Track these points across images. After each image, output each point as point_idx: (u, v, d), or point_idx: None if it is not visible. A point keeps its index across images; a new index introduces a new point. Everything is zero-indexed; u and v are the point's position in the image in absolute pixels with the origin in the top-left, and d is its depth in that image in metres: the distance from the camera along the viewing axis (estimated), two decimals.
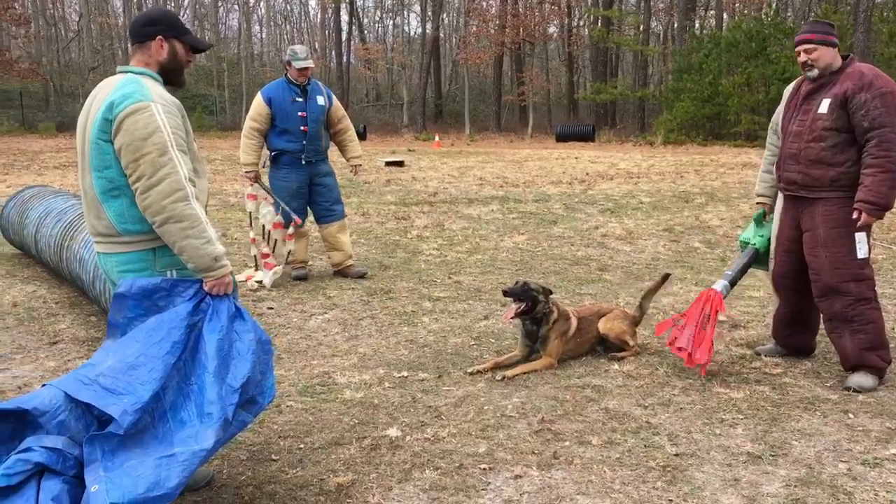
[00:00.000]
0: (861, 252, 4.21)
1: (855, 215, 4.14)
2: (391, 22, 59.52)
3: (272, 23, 59.18)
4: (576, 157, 21.43)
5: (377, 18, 58.68)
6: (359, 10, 49.85)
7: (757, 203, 4.85)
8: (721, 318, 4.90)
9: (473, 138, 34.11)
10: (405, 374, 4.51)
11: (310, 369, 4.62)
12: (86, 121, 2.92)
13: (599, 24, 39.23)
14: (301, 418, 3.89)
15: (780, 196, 4.62)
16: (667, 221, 10.08)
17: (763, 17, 31.14)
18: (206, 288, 2.90)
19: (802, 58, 4.29)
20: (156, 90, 2.88)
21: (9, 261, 7.77)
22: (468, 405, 4.05)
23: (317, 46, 53.96)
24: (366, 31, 53.88)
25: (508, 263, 7.64)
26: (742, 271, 4.73)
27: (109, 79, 2.97)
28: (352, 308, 5.99)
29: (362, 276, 6.93)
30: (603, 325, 4.77)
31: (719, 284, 4.57)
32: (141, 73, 2.95)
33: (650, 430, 3.71)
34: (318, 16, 54.09)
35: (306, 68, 6.58)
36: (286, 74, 6.69)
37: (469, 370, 4.53)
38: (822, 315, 4.44)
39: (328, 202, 6.89)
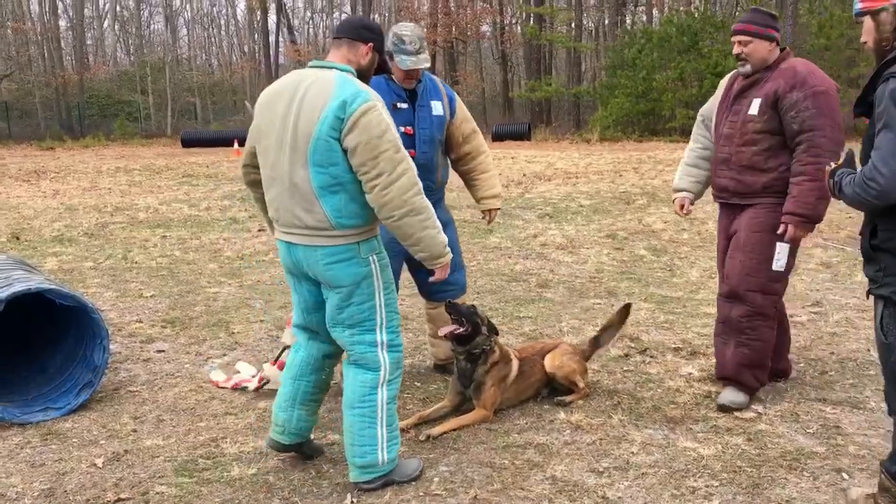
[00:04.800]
0: (778, 264, 3.79)
1: (781, 228, 3.70)
2: (322, 22, 58.37)
3: (198, 25, 57.43)
4: (512, 157, 20.82)
5: (307, 18, 57.38)
6: (288, 10, 48.55)
7: (674, 199, 4.36)
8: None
9: None
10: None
11: (194, 435, 3.80)
12: (295, 112, 2.91)
13: (532, 21, 38.82)
14: None
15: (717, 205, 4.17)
16: (609, 226, 9.47)
17: (694, 11, 31.07)
18: (435, 277, 3.11)
19: (736, 49, 3.83)
20: (369, 89, 2.93)
21: None
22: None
23: (245, 49, 52.54)
24: (296, 32, 52.48)
25: None
26: None
27: (315, 74, 2.96)
28: (258, 347, 5.17)
29: None
30: (550, 363, 4.03)
31: None
32: (350, 72, 3.00)
33: None
34: (246, 17, 52.52)
35: (416, 70, 4.08)
36: (385, 69, 3.69)
37: None
38: (718, 315, 4.04)
39: None
